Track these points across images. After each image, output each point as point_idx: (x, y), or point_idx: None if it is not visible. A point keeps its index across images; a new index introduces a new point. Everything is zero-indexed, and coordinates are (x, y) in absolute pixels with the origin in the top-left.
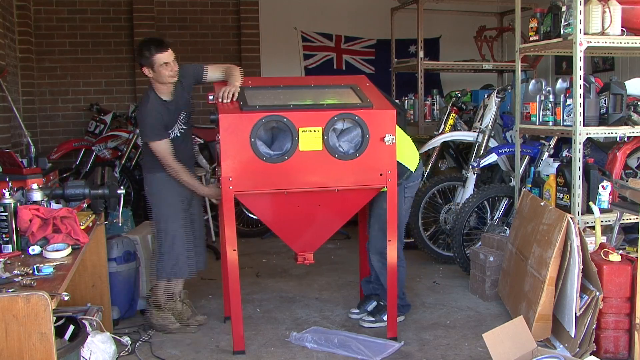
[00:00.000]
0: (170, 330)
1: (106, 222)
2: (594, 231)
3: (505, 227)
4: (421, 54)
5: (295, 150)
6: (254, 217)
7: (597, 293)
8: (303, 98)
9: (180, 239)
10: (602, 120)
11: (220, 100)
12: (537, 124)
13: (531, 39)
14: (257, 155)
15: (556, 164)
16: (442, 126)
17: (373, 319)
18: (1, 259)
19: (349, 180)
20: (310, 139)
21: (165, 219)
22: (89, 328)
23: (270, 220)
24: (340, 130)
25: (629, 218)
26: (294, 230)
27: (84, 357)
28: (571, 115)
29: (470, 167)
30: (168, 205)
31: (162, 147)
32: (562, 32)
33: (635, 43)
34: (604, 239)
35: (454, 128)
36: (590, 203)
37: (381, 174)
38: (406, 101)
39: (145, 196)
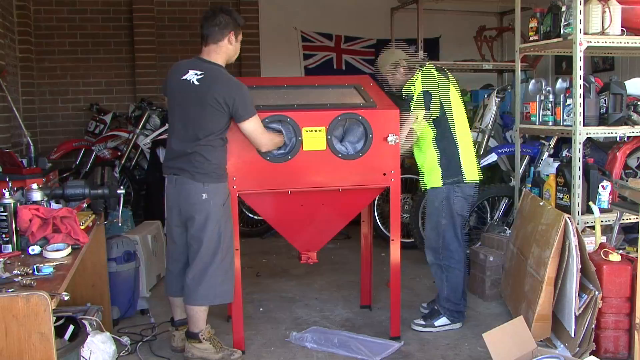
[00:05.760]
0: None
1: (106, 222)
2: (593, 231)
3: (505, 227)
4: (421, 53)
5: (299, 150)
6: (255, 217)
7: (596, 292)
8: (306, 98)
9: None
10: (602, 120)
11: None
12: (537, 123)
13: (531, 38)
14: (260, 154)
15: (556, 164)
16: None
17: (423, 322)
18: (1, 259)
19: (353, 180)
20: (313, 139)
21: (230, 233)
22: (88, 328)
23: (274, 219)
24: (344, 130)
25: (629, 218)
26: (298, 229)
27: (84, 357)
28: (571, 115)
29: None
30: (229, 218)
31: (259, 121)
32: (562, 32)
33: (635, 43)
34: (604, 239)
35: None
36: (590, 203)
37: (384, 174)
38: None
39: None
